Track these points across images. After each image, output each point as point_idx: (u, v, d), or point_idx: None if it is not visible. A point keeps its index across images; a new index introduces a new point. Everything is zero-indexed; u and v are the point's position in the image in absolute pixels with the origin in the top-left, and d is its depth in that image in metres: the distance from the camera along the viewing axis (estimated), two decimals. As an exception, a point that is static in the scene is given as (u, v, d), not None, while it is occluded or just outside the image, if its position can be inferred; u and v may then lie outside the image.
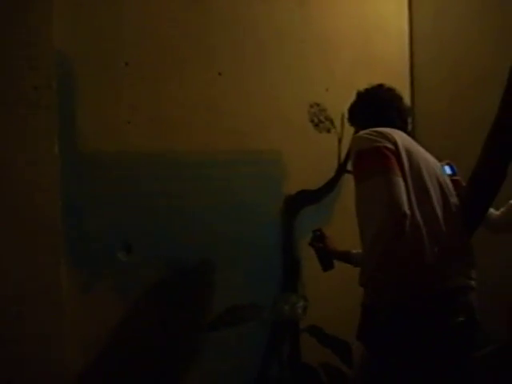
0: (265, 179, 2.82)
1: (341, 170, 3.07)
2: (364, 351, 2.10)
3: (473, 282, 1.92)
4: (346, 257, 2.43)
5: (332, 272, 2.54)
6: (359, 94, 2.29)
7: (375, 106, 2.17)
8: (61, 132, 2.10)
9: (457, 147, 2.96)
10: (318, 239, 2.53)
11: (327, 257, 2.49)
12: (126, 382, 2.34)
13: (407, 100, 3.57)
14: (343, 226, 2.97)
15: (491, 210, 2.56)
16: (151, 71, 2.40)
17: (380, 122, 1.98)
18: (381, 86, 2.30)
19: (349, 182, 2.03)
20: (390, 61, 3.51)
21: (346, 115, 2.38)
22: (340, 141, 3.06)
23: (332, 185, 3.07)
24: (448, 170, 2.48)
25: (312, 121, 3.03)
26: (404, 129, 2.11)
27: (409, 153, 1.88)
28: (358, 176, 1.86)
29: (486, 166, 2.11)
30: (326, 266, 2.50)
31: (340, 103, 2.94)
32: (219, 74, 2.64)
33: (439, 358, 1.81)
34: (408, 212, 1.70)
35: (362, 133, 1.92)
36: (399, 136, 1.90)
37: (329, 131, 3.09)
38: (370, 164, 1.80)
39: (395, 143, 1.84)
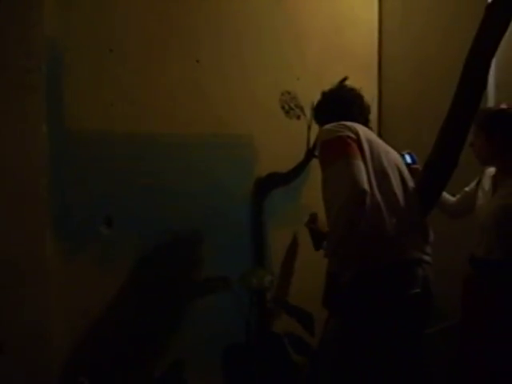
0: (238, 161, 2.96)
1: (309, 154, 3.23)
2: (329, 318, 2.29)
3: (428, 257, 2.12)
4: None
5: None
6: (324, 94, 2.47)
7: (339, 104, 2.34)
8: (49, 112, 2.21)
9: (419, 139, 3.09)
10: (312, 221, 2.70)
11: (318, 237, 2.63)
12: (106, 348, 2.46)
13: (374, 91, 3.77)
14: (310, 208, 3.16)
15: (448, 197, 2.78)
16: (134, 57, 2.52)
17: (343, 119, 2.13)
18: (343, 86, 2.50)
19: (316, 166, 2.18)
20: (360, 53, 3.69)
21: (312, 113, 2.56)
22: (309, 127, 3.22)
23: (301, 169, 3.24)
24: (408, 158, 2.67)
25: (283, 108, 3.19)
26: (365, 125, 2.28)
27: (370, 142, 2.06)
28: (323, 163, 2.04)
29: (439, 154, 2.32)
30: (316, 245, 2.65)
31: (310, 92, 3.10)
32: (197, 61, 2.77)
33: (395, 326, 2.00)
34: (368, 189, 1.88)
35: (327, 126, 2.10)
36: (361, 128, 2.09)
37: (299, 118, 3.25)
38: (334, 151, 1.98)
39: (357, 133, 2.03)
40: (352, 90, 2.43)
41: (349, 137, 2.00)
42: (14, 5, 2.10)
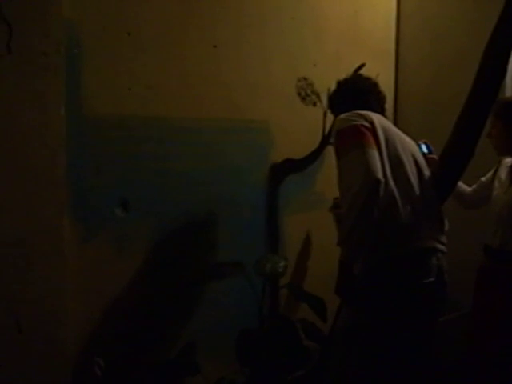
0: (253, 147, 2.98)
1: (324, 141, 3.22)
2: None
3: (443, 247, 2.12)
4: None
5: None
6: (339, 83, 2.46)
7: (354, 93, 2.33)
8: (67, 95, 2.23)
9: (435, 123, 3.11)
10: (336, 206, 2.71)
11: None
12: (120, 329, 2.49)
13: (391, 78, 3.75)
14: (325, 194, 3.18)
15: (464, 187, 2.78)
16: (151, 42, 2.52)
17: (359, 109, 2.13)
18: (359, 75, 2.52)
19: (331, 153, 2.19)
20: (377, 39, 3.67)
21: (327, 103, 2.55)
22: (325, 114, 3.21)
23: (316, 155, 3.24)
24: (424, 148, 2.66)
25: (299, 94, 3.19)
26: (382, 114, 2.27)
27: (385, 130, 2.06)
28: (338, 152, 2.04)
29: (456, 144, 2.30)
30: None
31: (327, 78, 3.09)
32: (214, 46, 2.77)
33: (409, 314, 2.01)
34: (382, 178, 1.88)
35: (342, 115, 2.10)
36: (376, 117, 2.09)
37: (315, 104, 3.25)
38: (349, 140, 1.99)
39: (372, 122, 2.03)
40: (368, 79, 2.42)
41: (363, 126, 2.00)
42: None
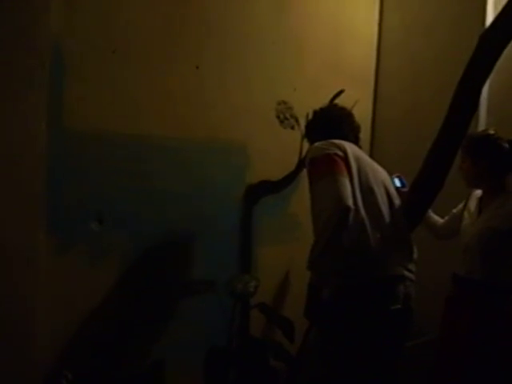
0: (230, 167, 3.01)
1: (301, 164, 3.25)
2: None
3: (411, 274, 2.17)
4: None
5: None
6: (315, 113, 2.52)
7: (329, 122, 2.40)
8: (49, 109, 2.25)
9: (411, 151, 3.14)
10: None
11: None
12: (91, 344, 2.49)
13: (369, 105, 3.83)
14: (299, 217, 3.22)
15: (436, 219, 2.85)
16: (136, 59, 2.56)
17: (333, 138, 2.20)
18: (335, 105, 2.59)
19: (306, 176, 2.26)
20: (358, 67, 3.74)
21: (304, 131, 2.62)
22: (303, 138, 3.25)
23: (291, 178, 3.28)
24: (397, 182, 2.72)
25: (278, 117, 3.24)
26: (356, 143, 2.34)
27: (357, 160, 2.13)
28: (311, 179, 2.11)
29: (426, 175, 2.38)
30: None
31: (306, 103, 3.16)
32: (197, 67, 2.81)
33: (375, 340, 2.06)
34: (352, 206, 1.95)
35: (316, 143, 2.17)
36: (349, 146, 2.16)
37: (293, 128, 3.30)
38: (321, 168, 2.06)
39: (345, 151, 2.10)
40: (342, 109, 2.49)
41: (336, 154, 2.07)
42: (18, 2, 2.14)
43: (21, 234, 2.19)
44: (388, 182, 2.30)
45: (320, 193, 2.02)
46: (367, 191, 2.11)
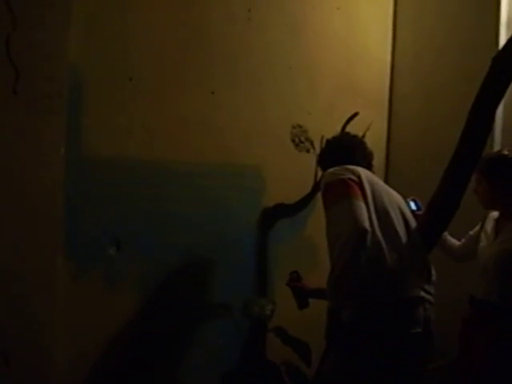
0: (246, 191, 3.04)
1: (316, 187, 3.26)
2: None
3: (430, 297, 2.15)
4: (319, 293, 2.51)
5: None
6: (328, 142, 2.55)
7: (341, 150, 2.42)
8: (67, 136, 2.29)
9: (427, 173, 3.14)
10: (295, 280, 2.71)
11: (303, 296, 2.65)
12: (105, 367, 2.51)
13: (384, 128, 3.84)
14: (315, 240, 3.22)
15: (453, 241, 2.83)
16: (152, 87, 2.61)
17: (346, 164, 2.22)
18: (347, 133, 2.63)
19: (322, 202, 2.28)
20: (371, 90, 3.76)
21: (317, 159, 2.65)
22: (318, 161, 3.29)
23: (307, 201, 3.29)
24: (413, 205, 2.71)
25: (293, 141, 3.27)
26: (368, 169, 2.34)
27: (371, 184, 2.14)
28: (326, 204, 2.12)
29: (442, 196, 2.38)
30: (302, 304, 2.66)
31: (321, 126, 3.20)
32: (212, 92, 2.86)
33: (395, 364, 2.04)
34: (369, 228, 1.95)
35: (330, 169, 2.19)
36: (363, 171, 2.17)
37: (308, 151, 3.33)
38: (336, 192, 2.07)
39: (359, 176, 2.11)
40: (354, 136, 2.53)
41: (350, 179, 2.09)
42: (37, 30, 2.19)
43: (38, 260, 2.20)
44: (403, 206, 2.30)
45: (336, 217, 2.03)
46: (383, 214, 2.11)
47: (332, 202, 2.07)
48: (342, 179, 2.08)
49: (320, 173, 3.21)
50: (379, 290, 2.06)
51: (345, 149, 2.42)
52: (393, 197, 2.25)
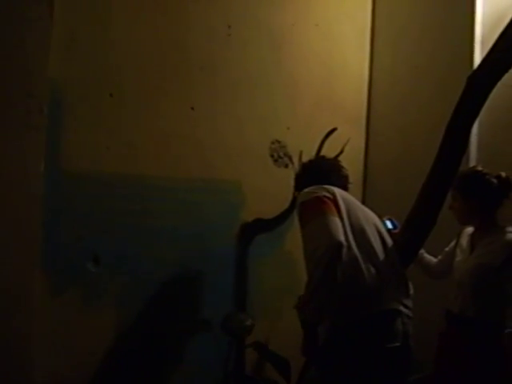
0: (225, 206, 3.05)
1: (295, 202, 3.29)
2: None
3: (408, 310, 2.16)
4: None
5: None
6: (304, 165, 2.60)
7: (318, 173, 2.45)
8: (47, 151, 2.29)
9: (404, 188, 3.17)
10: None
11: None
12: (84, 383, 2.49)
13: (362, 144, 3.87)
14: (294, 255, 3.23)
15: (430, 258, 2.86)
16: (132, 102, 2.63)
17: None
18: (322, 157, 2.68)
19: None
20: (349, 106, 3.80)
21: (294, 183, 2.68)
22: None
23: (286, 215, 3.30)
24: (389, 224, 2.72)
25: (272, 156, 3.29)
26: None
27: (346, 202, 2.18)
28: (302, 222, 2.15)
29: (419, 212, 2.41)
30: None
31: (299, 142, 3.22)
32: (192, 108, 2.88)
33: (373, 378, 2.04)
34: (344, 242, 1.97)
35: (306, 189, 2.22)
36: (337, 190, 2.21)
37: (286, 166, 3.34)
38: (311, 209, 2.10)
39: (333, 194, 2.15)
40: (330, 159, 2.60)
41: (325, 196, 2.12)
42: (18, 47, 2.20)
43: (14, 275, 2.20)
44: (379, 224, 2.33)
45: (312, 233, 2.05)
46: (358, 230, 2.14)
47: (307, 220, 2.09)
48: (316, 197, 2.12)
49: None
50: (356, 305, 2.07)
51: (320, 172, 2.45)
52: (368, 214, 2.29)
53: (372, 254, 2.14)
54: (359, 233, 2.14)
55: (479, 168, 2.62)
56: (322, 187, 2.18)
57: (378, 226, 2.30)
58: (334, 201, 2.13)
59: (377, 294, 2.09)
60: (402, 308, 2.14)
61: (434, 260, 2.87)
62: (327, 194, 2.13)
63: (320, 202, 2.09)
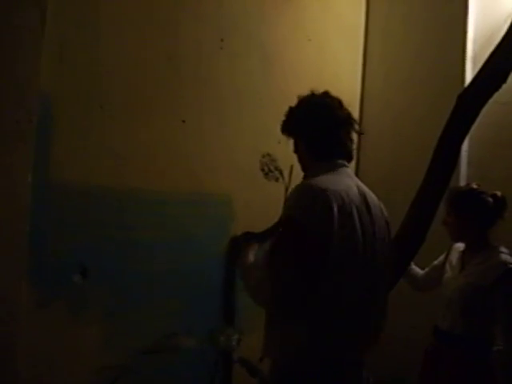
0: (214, 219, 3.05)
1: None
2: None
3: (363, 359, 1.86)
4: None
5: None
6: (302, 105, 2.23)
7: (324, 131, 2.07)
8: (35, 162, 2.29)
9: (392, 207, 3.17)
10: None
11: None
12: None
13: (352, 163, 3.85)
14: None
15: (417, 270, 2.84)
16: (122, 114, 2.63)
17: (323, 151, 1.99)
18: (326, 94, 2.21)
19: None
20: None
21: (282, 124, 2.29)
22: (286, 190, 3.27)
23: (275, 229, 3.28)
24: None
25: (262, 170, 3.26)
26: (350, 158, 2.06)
27: (344, 217, 1.76)
28: (278, 240, 1.88)
29: (408, 228, 2.41)
30: None
31: (290, 155, 3.19)
32: (183, 121, 2.88)
33: None
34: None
35: (305, 186, 1.91)
36: (346, 193, 1.81)
37: (277, 180, 3.32)
38: (287, 246, 1.77)
39: (330, 210, 1.72)
40: (335, 99, 2.17)
41: (312, 231, 1.72)
42: (8, 58, 2.20)
43: (2, 286, 2.19)
44: (384, 236, 1.93)
45: (277, 263, 1.76)
46: (340, 270, 1.74)
47: (279, 249, 1.80)
48: (301, 231, 1.73)
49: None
50: (309, 354, 1.78)
51: (327, 128, 2.03)
52: (371, 229, 1.87)
53: (347, 300, 1.76)
54: (340, 273, 1.73)
55: (474, 186, 2.61)
56: (321, 200, 1.74)
57: (381, 244, 1.88)
58: (323, 239, 1.71)
59: (334, 346, 1.77)
60: (357, 356, 1.85)
61: (420, 272, 2.86)
62: (317, 224, 1.71)
63: (297, 246, 1.72)
